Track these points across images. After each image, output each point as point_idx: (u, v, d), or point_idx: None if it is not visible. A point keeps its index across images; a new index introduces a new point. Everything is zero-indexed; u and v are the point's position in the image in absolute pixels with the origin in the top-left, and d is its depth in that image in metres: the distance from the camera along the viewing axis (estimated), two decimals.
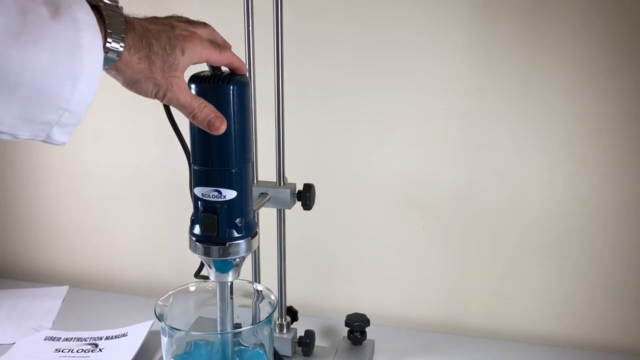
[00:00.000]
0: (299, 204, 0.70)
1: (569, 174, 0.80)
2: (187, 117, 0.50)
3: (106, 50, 0.43)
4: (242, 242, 0.55)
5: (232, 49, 0.53)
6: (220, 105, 0.51)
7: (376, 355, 0.78)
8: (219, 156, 0.53)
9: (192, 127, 0.53)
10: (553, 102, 0.78)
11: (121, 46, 0.44)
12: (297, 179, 0.71)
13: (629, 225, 0.80)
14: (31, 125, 0.42)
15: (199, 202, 0.55)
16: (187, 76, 0.51)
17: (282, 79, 0.67)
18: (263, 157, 0.71)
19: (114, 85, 0.47)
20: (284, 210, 0.71)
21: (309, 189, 0.69)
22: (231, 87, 0.51)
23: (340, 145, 0.87)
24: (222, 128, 0.50)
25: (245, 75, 0.54)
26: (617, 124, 0.77)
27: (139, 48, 0.45)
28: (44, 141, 0.44)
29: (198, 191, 0.54)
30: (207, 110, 0.49)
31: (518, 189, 0.82)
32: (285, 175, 0.70)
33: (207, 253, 0.55)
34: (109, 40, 0.43)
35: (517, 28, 0.77)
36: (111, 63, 0.44)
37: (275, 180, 0.70)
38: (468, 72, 0.80)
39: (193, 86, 0.52)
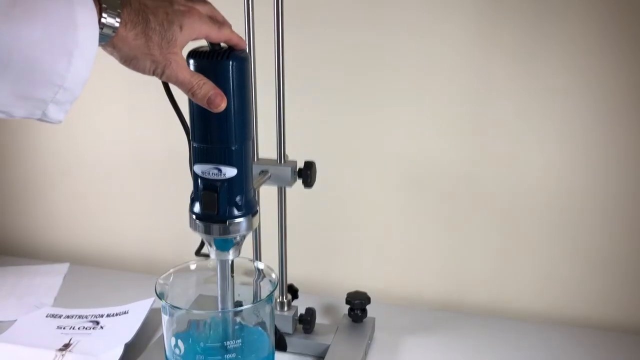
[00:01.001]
0: (299, 182, 0.69)
1: (569, 155, 0.80)
2: (187, 94, 0.49)
3: (101, 25, 0.42)
4: (242, 221, 0.55)
5: (232, 26, 0.52)
6: (220, 81, 0.50)
7: (376, 333, 0.79)
8: (218, 133, 0.52)
9: (191, 104, 0.52)
10: (558, 84, 0.77)
11: (117, 22, 0.43)
12: (298, 156, 0.70)
13: (629, 206, 0.79)
14: (26, 103, 0.41)
15: (199, 180, 0.54)
16: (185, 52, 0.50)
17: (283, 55, 0.66)
18: (263, 135, 0.70)
19: (112, 60, 0.46)
20: (284, 188, 0.71)
21: (310, 166, 0.69)
22: (231, 63, 0.51)
23: (341, 123, 0.86)
24: (222, 105, 0.49)
25: (244, 50, 0.53)
26: (623, 108, 0.76)
27: (136, 24, 0.44)
28: (40, 119, 0.43)
29: (198, 169, 0.54)
30: (206, 88, 0.49)
31: (519, 169, 0.82)
32: (286, 152, 0.69)
33: (207, 231, 0.55)
34: (104, 15, 0.42)
35: (523, 5, 0.75)
36: (107, 39, 0.44)
37: (275, 158, 0.69)
38: (472, 52, 0.79)
39: (192, 61, 0.51)
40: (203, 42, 0.52)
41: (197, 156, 0.54)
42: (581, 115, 0.78)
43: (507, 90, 0.79)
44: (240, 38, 0.52)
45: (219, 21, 0.50)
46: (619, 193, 0.79)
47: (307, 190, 0.70)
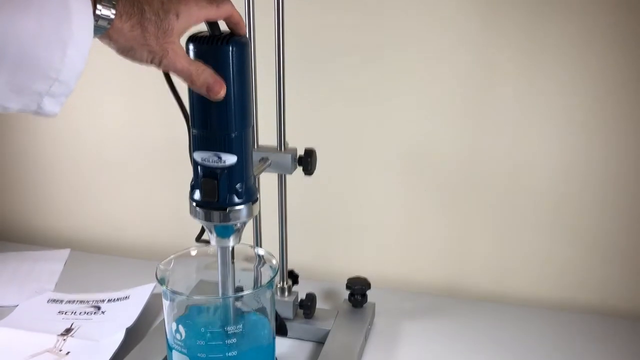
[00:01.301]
0: (300, 169, 0.69)
1: (569, 142, 0.79)
2: (186, 82, 0.49)
3: (96, 18, 0.42)
4: (243, 208, 0.55)
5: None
6: (219, 67, 0.50)
7: (377, 318, 0.79)
8: (218, 120, 0.52)
9: (191, 90, 0.52)
10: (561, 67, 0.77)
11: (112, 13, 0.42)
12: (298, 143, 0.70)
13: (630, 191, 0.79)
14: (21, 96, 0.41)
15: (199, 167, 0.54)
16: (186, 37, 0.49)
17: (283, 40, 0.66)
18: (263, 121, 0.70)
19: (110, 49, 0.46)
20: (285, 175, 0.71)
21: (310, 154, 0.69)
22: (230, 48, 0.50)
23: (342, 110, 0.86)
24: (222, 93, 0.49)
25: (244, 35, 0.52)
26: (625, 97, 0.76)
27: (131, 15, 0.44)
28: (35, 113, 0.43)
29: (197, 156, 0.54)
30: (205, 75, 0.48)
31: (520, 154, 0.81)
32: (286, 140, 0.69)
33: (207, 218, 0.55)
34: (98, 7, 0.42)
35: None
36: (102, 31, 0.43)
37: (276, 145, 0.69)
38: (474, 34, 0.78)
39: (191, 47, 0.50)
40: (204, 27, 0.51)
41: (196, 143, 0.53)
42: (583, 102, 0.78)
43: (508, 77, 0.79)
44: (240, 17, 0.51)
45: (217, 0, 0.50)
46: (619, 179, 0.79)
47: (308, 178, 0.69)
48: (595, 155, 0.79)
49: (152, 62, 0.46)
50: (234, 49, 0.50)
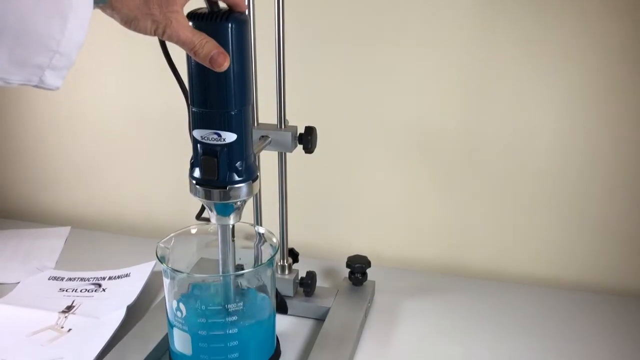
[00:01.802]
0: (300, 147, 0.69)
1: (573, 119, 0.79)
2: (189, 53, 0.48)
3: None
4: (243, 186, 0.55)
5: None
6: (218, 44, 0.49)
7: (376, 296, 0.80)
8: (217, 97, 0.51)
9: (190, 67, 0.52)
10: (561, 47, 0.76)
11: None
12: (298, 121, 0.70)
13: (629, 173, 0.79)
14: (22, 69, 0.41)
15: (198, 145, 0.54)
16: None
17: (283, 18, 0.65)
18: (263, 99, 0.69)
19: (110, 23, 0.45)
20: (285, 153, 0.70)
21: (310, 131, 0.68)
22: (230, 25, 0.49)
23: (342, 87, 0.85)
24: (225, 65, 0.48)
25: (244, 12, 0.51)
26: (626, 72, 0.75)
27: None
28: (37, 86, 0.42)
29: (197, 133, 0.53)
30: (209, 46, 0.48)
31: (521, 134, 0.81)
32: (286, 117, 0.69)
33: (207, 196, 0.55)
34: None
35: None
36: (104, 1, 0.42)
37: (276, 123, 0.69)
38: (474, 15, 0.77)
39: (190, 24, 0.49)
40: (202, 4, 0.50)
41: (196, 121, 0.53)
42: (587, 82, 0.77)
43: (511, 54, 0.78)
44: None
45: None
46: (619, 158, 0.79)
47: (308, 156, 0.69)
48: (595, 134, 0.79)
49: (155, 32, 0.46)
50: (233, 25, 0.50)
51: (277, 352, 0.64)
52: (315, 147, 0.69)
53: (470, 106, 0.82)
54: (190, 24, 0.49)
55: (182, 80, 0.55)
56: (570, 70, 0.77)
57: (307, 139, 0.68)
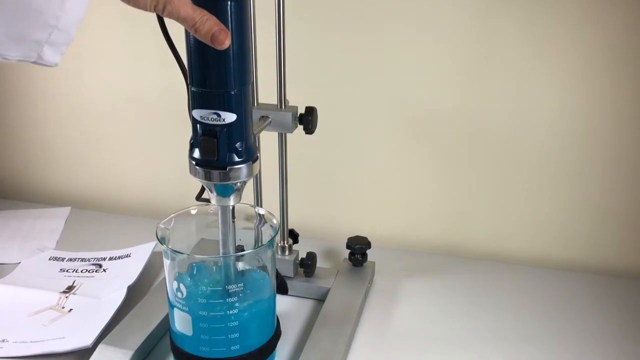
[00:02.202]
0: (300, 127, 0.68)
1: (574, 100, 0.78)
2: (189, 30, 0.47)
3: None
4: (243, 167, 0.54)
5: None
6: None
7: (376, 276, 0.80)
8: (217, 77, 0.51)
9: (189, 46, 0.51)
10: (562, 28, 0.75)
11: None
12: (298, 101, 0.69)
13: (631, 152, 0.79)
14: (20, 45, 0.40)
15: (198, 125, 0.53)
16: None
17: None
18: (263, 79, 0.68)
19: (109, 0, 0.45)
20: (285, 134, 0.70)
21: (311, 112, 0.67)
22: (229, 3, 0.49)
23: (343, 68, 0.84)
24: (227, 43, 0.47)
25: None
26: (629, 55, 0.74)
27: None
28: (35, 62, 0.42)
29: (196, 114, 0.53)
30: (210, 23, 0.47)
31: (522, 113, 0.80)
32: (287, 97, 0.68)
33: (207, 177, 0.54)
34: None
35: None
36: None
37: (276, 103, 0.68)
38: None
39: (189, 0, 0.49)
40: None
41: (195, 101, 0.52)
42: (588, 64, 0.76)
43: (512, 36, 0.77)
44: None
45: None
46: (619, 139, 0.79)
47: (308, 136, 0.69)
48: (596, 115, 0.78)
49: (155, 8, 0.45)
50: (233, 3, 0.49)
51: (277, 332, 0.64)
52: (315, 127, 0.68)
53: (471, 88, 0.81)
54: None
55: (181, 59, 0.54)
56: (571, 52, 0.76)
57: (308, 120, 0.67)
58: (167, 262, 0.60)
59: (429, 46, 0.81)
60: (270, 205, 0.69)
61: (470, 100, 0.82)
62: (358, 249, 0.77)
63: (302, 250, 0.76)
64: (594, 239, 0.84)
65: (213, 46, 0.47)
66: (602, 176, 0.81)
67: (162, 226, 0.60)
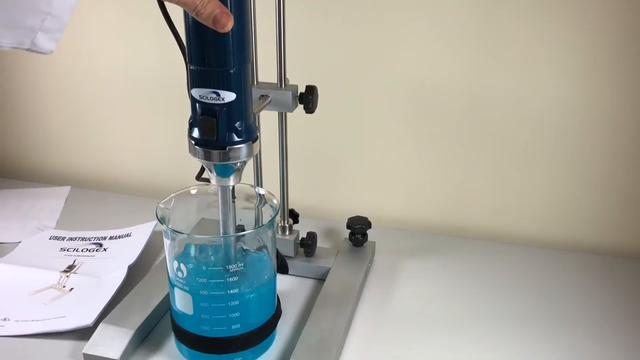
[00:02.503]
0: (300, 107, 0.68)
1: (575, 76, 0.77)
2: (191, 14, 0.46)
3: None
4: (242, 147, 0.54)
5: None
6: None
7: (377, 256, 0.80)
8: (216, 55, 0.50)
9: (187, 23, 0.50)
10: (565, 3, 0.74)
11: None
12: (299, 80, 0.68)
13: (633, 129, 0.78)
14: (13, 31, 0.39)
15: (197, 104, 0.53)
16: None
17: None
18: (263, 57, 0.67)
19: None
20: (285, 113, 0.69)
21: (311, 91, 0.67)
22: None
23: (345, 45, 0.83)
24: (229, 25, 0.46)
25: None
26: (631, 27, 0.73)
27: None
28: (29, 50, 0.41)
29: (195, 92, 0.52)
30: (211, 6, 0.46)
31: (523, 92, 0.80)
32: (287, 76, 0.67)
33: (207, 157, 0.54)
34: None
35: None
36: None
37: (276, 82, 0.67)
38: None
39: None
40: None
41: (194, 80, 0.52)
42: (591, 37, 0.75)
43: (514, 10, 0.76)
44: None
45: None
46: (622, 115, 0.78)
47: (309, 116, 0.68)
48: (607, 96, 0.77)
49: None
50: None
51: (277, 312, 0.64)
52: (316, 107, 0.68)
53: (472, 64, 0.80)
54: None
55: (180, 37, 0.54)
56: (574, 25, 0.75)
57: (308, 99, 0.67)
58: (167, 242, 0.60)
59: (429, 25, 0.79)
60: (271, 185, 0.69)
61: (471, 79, 0.81)
62: (358, 228, 0.77)
63: (302, 230, 0.76)
64: (594, 218, 0.84)
65: (215, 29, 0.46)
66: (604, 156, 0.81)
67: (162, 206, 0.60)
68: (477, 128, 0.83)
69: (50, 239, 0.84)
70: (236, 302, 0.58)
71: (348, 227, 0.78)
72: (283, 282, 0.74)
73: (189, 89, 0.53)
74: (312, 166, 0.91)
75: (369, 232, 0.78)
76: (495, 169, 0.85)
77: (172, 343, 0.64)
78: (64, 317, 0.67)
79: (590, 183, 0.83)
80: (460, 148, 0.85)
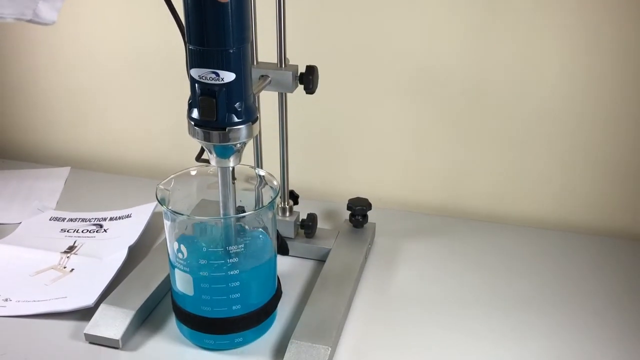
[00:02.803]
0: (301, 87, 0.67)
1: (579, 60, 0.77)
2: None
3: None
4: (242, 128, 0.53)
5: None
6: None
7: (377, 238, 0.80)
8: (215, 35, 0.49)
9: (186, 2, 0.49)
10: None
11: None
12: (299, 60, 0.68)
13: (634, 111, 0.78)
14: (14, 2, 0.39)
15: (196, 85, 0.52)
16: None
17: None
18: (262, 37, 0.67)
19: None
20: (285, 94, 0.69)
21: (311, 71, 0.66)
22: None
23: (346, 25, 0.82)
24: None
25: None
26: (633, 8, 0.72)
27: None
28: (31, 21, 0.41)
29: (194, 72, 0.52)
30: None
31: (526, 74, 0.79)
32: (287, 56, 0.67)
33: (207, 138, 0.54)
34: None
35: None
36: None
37: (276, 62, 0.67)
38: None
39: None
40: None
41: (193, 60, 0.51)
42: (593, 20, 0.74)
43: None
44: None
45: None
46: (623, 95, 0.77)
47: (309, 96, 0.67)
48: (597, 71, 0.77)
49: None
50: None
51: (278, 292, 0.64)
52: (316, 87, 0.67)
53: (472, 45, 0.79)
54: None
55: (179, 16, 0.53)
56: (576, 10, 0.74)
57: (309, 79, 0.66)
58: (167, 223, 0.59)
59: (431, 5, 0.78)
60: (271, 167, 0.69)
61: (471, 58, 0.80)
62: (359, 210, 0.77)
63: (302, 211, 0.76)
64: (593, 200, 0.84)
65: None
66: (602, 135, 0.80)
67: (162, 187, 0.60)
68: (477, 109, 0.83)
69: (50, 220, 0.84)
70: (236, 283, 0.58)
71: (348, 208, 0.77)
72: (283, 263, 0.74)
73: (188, 69, 0.52)
74: (313, 147, 0.90)
75: (369, 213, 0.78)
76: (496, 150, 0.85)
77: (172, 323, 0.64)
78: (65, 297, 0.67)
79: (590, 164, 0.82)
80: (460, 129, 0.85)
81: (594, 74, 0.77)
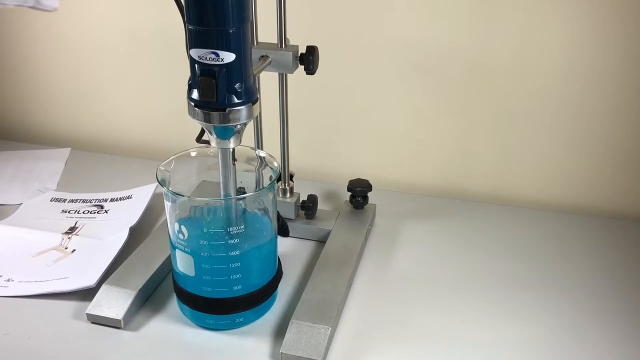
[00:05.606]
0: (301, 68, 0.66)
1: (581, 40, 0.76)
2: None
3: None
4: (242, 109, 0.53)
5: None
6: None
7: (377, 219, 0.80)
8: (214, 14, 0.49)
9: None
10: None
11: None
12: (299, 40, 0.67)
13: (636, 93, 0.78)
14: None
15: (196, 65, 0.52)
16: None
17: None
18: (262, 16, 0.66)
19: None
20: (285, 74, 0.68)
21: (312, 51, 0.66)
22: None
23: (346, 5, 0.82)
24: None
25: None
26: None
27: None
28: (34, 7, 0.40)
29: (194, 53, 0.51)
30: None
31: (527, 55, 0.78)
32: (287, 36, 0.66)
33: (207, 119, 0.53)
34: None
35: None
36: None
37: (276, 42, 0.66)
38: None
39: None
40: None
41: (193, 40, 0.51)
42: (596, 2, 0.73)
43: None
44: None
45: None
46: (626, 78, 0.77)
47: (309, 77, 0.67)
48: (603, 57, 0.76)
49: None
50: None
51: (279, 273, 0.65)
52: (317, 68, 0.67)
53: (475, 26, 0.79)
54: None
55: None
56: None
57: (309, 60, 0.65)
58: (167, 204, 0.60)
59: None
60: (271, 148, 0.69)
61: (473, 39, 0.79)
62: (359, 191, 0.77)
63: (303, 192, 0.76)
64: (595, 180, 0.84)
65: None
66: (605, 115, 0.80)
67: (162, 168, 0.60)
68: (478, 90, 0.82)
69: (51, 200, 0.84)
70: (237, 264, 0.58)
71: (349, 189, 0.77)
72: (284, 244, 0.74)
73: (188, 49, 0.52)
74: (313, 128, 0.90)
75: (369, 194, 0.78)
76: (497, 131, 0.85)
77: (174, 304, 0.65)
78: (67, 278, 0.68)
79: (592, 145, 0.82)
80: (461, 110, 0.84)
81: (597, 54, 0.77)
